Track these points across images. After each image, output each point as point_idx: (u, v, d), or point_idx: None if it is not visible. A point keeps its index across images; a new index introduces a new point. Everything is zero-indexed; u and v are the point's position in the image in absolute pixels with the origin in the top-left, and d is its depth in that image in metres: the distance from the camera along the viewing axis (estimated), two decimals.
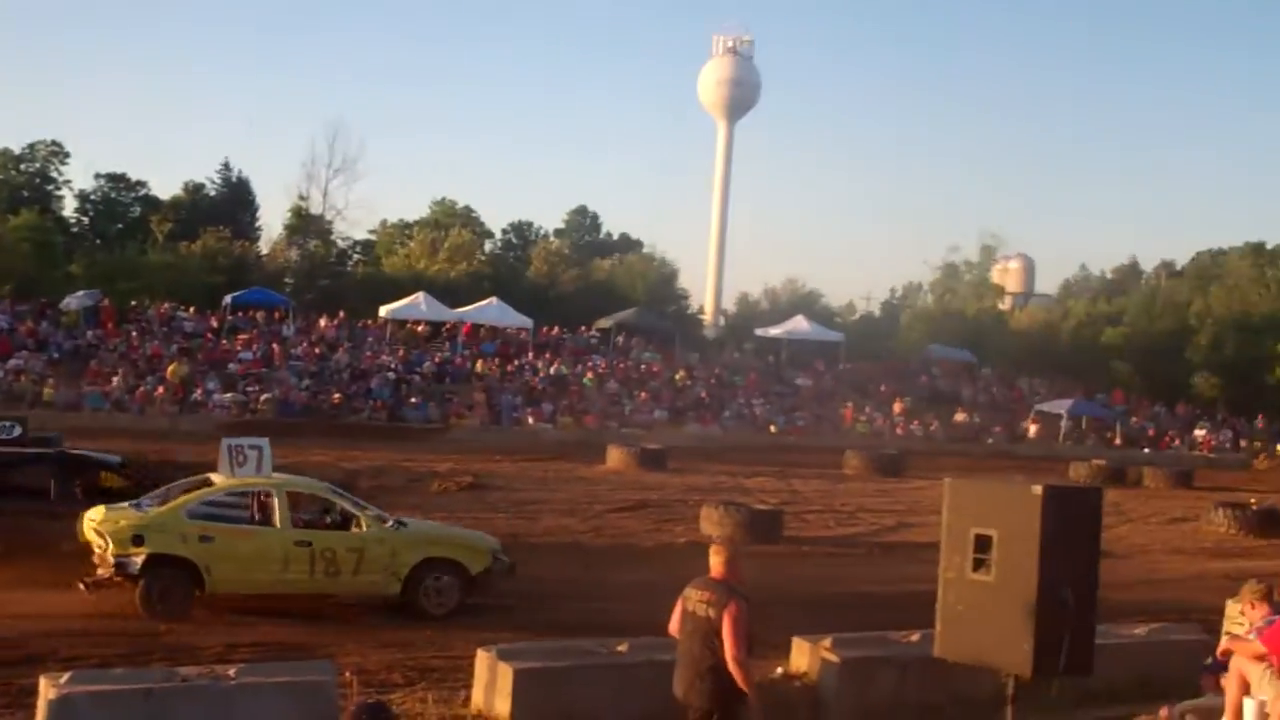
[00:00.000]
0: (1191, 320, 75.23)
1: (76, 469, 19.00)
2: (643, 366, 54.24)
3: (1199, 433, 57.46)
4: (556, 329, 56.55)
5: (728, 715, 8.11)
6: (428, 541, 15.90)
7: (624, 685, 10.40)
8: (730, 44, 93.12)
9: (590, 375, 51.09)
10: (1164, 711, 8.77)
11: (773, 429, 48.79)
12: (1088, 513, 7.59)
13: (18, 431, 21.43)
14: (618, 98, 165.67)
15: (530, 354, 52.72)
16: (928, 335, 70.04)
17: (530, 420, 44.89)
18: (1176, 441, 56.36)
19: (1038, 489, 7.23)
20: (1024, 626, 7.12)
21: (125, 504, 15.88)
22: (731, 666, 7.95)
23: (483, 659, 10.62)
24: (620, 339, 57.23)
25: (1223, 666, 8.77)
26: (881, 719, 10.66)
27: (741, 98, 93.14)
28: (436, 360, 49.84)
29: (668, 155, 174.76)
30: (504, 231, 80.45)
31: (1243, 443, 57.58)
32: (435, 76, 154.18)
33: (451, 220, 73.79)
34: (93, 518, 15.17)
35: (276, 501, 15.09)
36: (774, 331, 61.79)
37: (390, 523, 15.73)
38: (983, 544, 7.41)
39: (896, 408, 53.68)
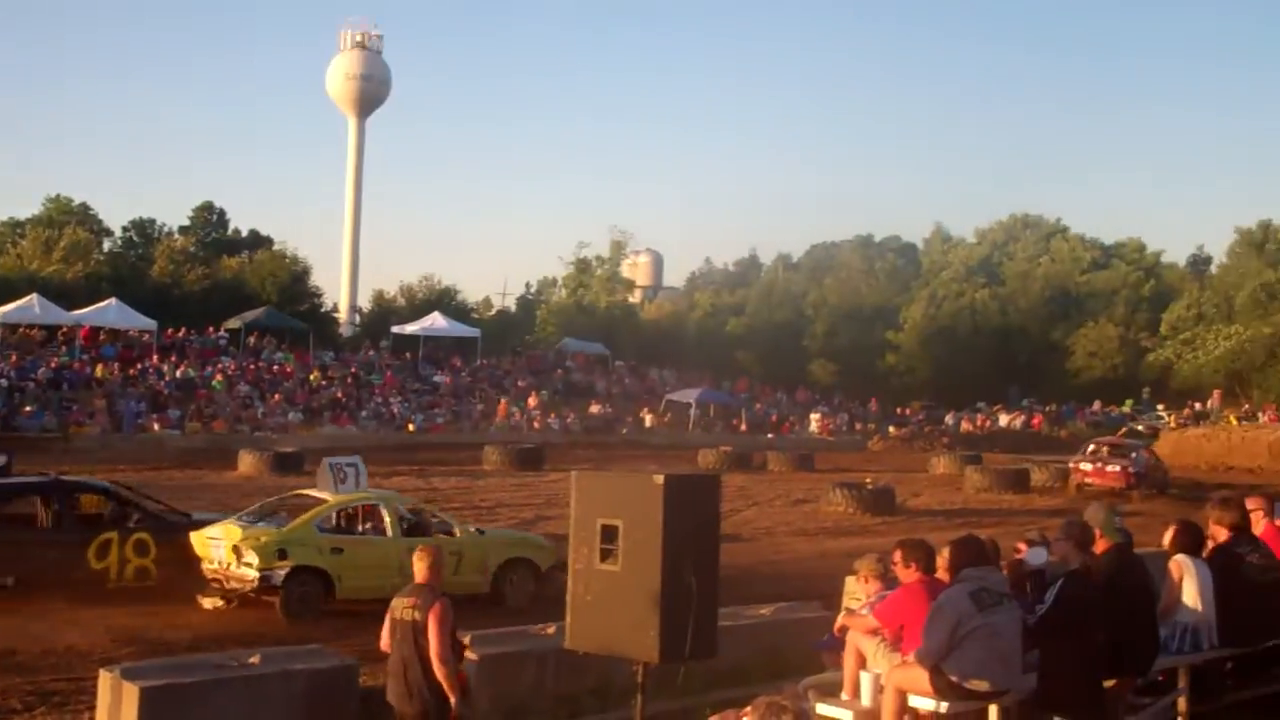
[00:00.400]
0: (807, 310, 79.19)
1: (66, 495, 17.62)
2: (275, 367, 52.95)
3: (814, 416, 60.40)
4: (182, 330, 54.52)
5: (440, 716, 8.46)
6: (508, 544, 18.25)
7: (257, 698, 10.15)
8: (358, 38, 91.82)
9: (219, 378, 49.50)
10: (788, 688, 9.10)
11: (411, 427, 48.49)
12: (707, 499, 7.81)
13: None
14: (243, 90, 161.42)
15: (154, 357, 50.66)
16: (562, 329, 71.21)
17: (155, 426, 43.00)
18: (797, 426, 59.14)
19: (659, 478, 7.38)
20: (650, 614, 7.21)
21: (232, 521, 16.84)
22: (435, 664, 8.33)
23: (105, 679, 10.15)
24: (251, 340, 55.67)
25: (840, 642, 9.10)
26: (522, 714, 10.75)
27: (371, 93, 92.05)
28: (53, 365, 47.17)
29: (298, 151, 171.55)
30: (124, 229, 76.83)
31: (858, 425, 60.97)
32: (44, 68, 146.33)
33: (66, 218, 70.01)
34: (218, 536, 16.17)
35: (386, 513, 16.89)
36: (410, 329, 61.47)
37: (474, 530, 18.14)
38: (609, 534, 7.49)
39: (532, 401, 54.25)
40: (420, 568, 8.76)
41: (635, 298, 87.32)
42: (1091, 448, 37.05)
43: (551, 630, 11.67)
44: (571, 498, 7.95)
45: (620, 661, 7.72)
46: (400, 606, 8.61)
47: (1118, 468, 34.88)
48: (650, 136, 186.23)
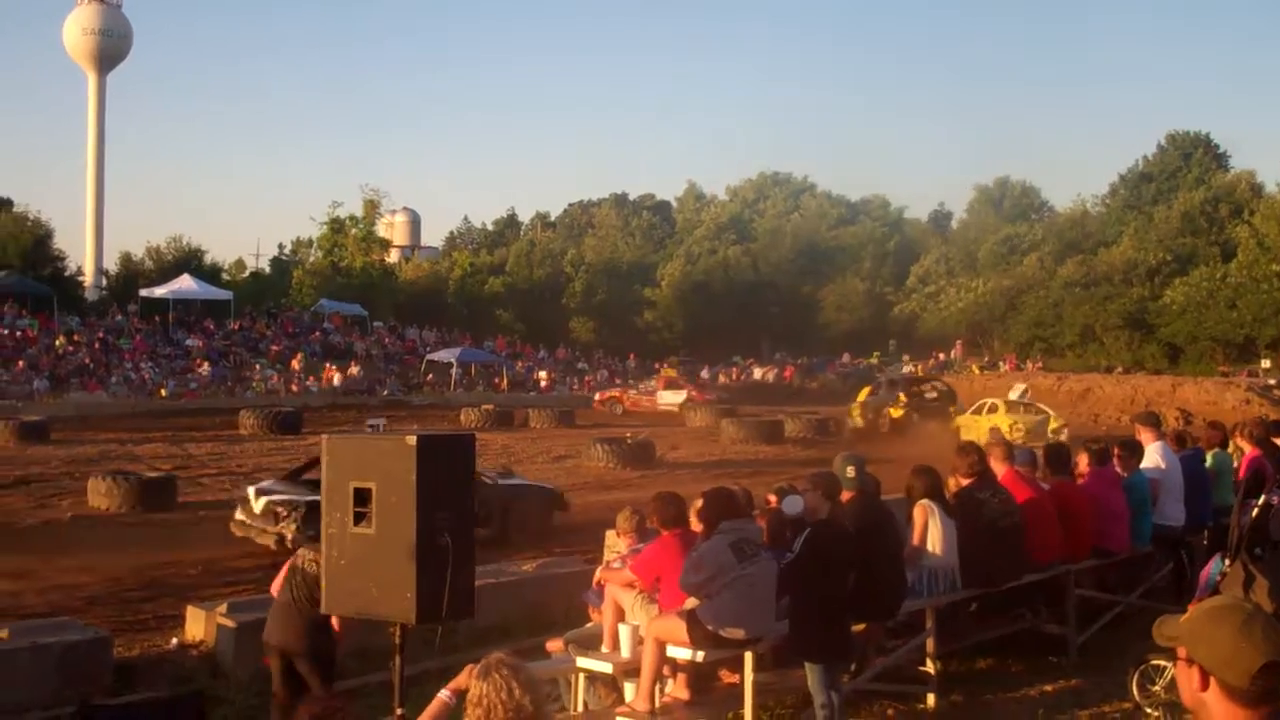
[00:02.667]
0: (567, 268, 79.61)
1: None
2: (18, 333, 50.80)
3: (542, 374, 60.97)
4: None
5: (321, 653, 8.66)
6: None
7: (5, 673, 9.95)
8: None
9: None
10: (551, 643, 9.26)
11: (164, 393, 47.20)
12: (462, 458, 7.90)
13: None
14: None
15: None
16: (319, 291, 70.02)
17: None
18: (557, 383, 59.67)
19: (411, 439, 7.40)
20: (405, 576, 7.25)
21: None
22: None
23: None
24: None
25: (600, 595, 9.24)
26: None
27: (112, 48, 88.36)
28: None
29: (36, 109, 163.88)
30: None
31: (617, 381, 61.78)
32: None
33: None
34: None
35: None
36: (159, 291, 59.64)
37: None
38: (362, 497, 7.53)
39: (295, 364, 53.40)
40: None
41: (393, 258, 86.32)
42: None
43: None
44: (323, 462, 7.95)
45: (378, 625, 7.77)
46: (306, 556, 8.64)
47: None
48: (405, 93, 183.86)
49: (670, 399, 51.00)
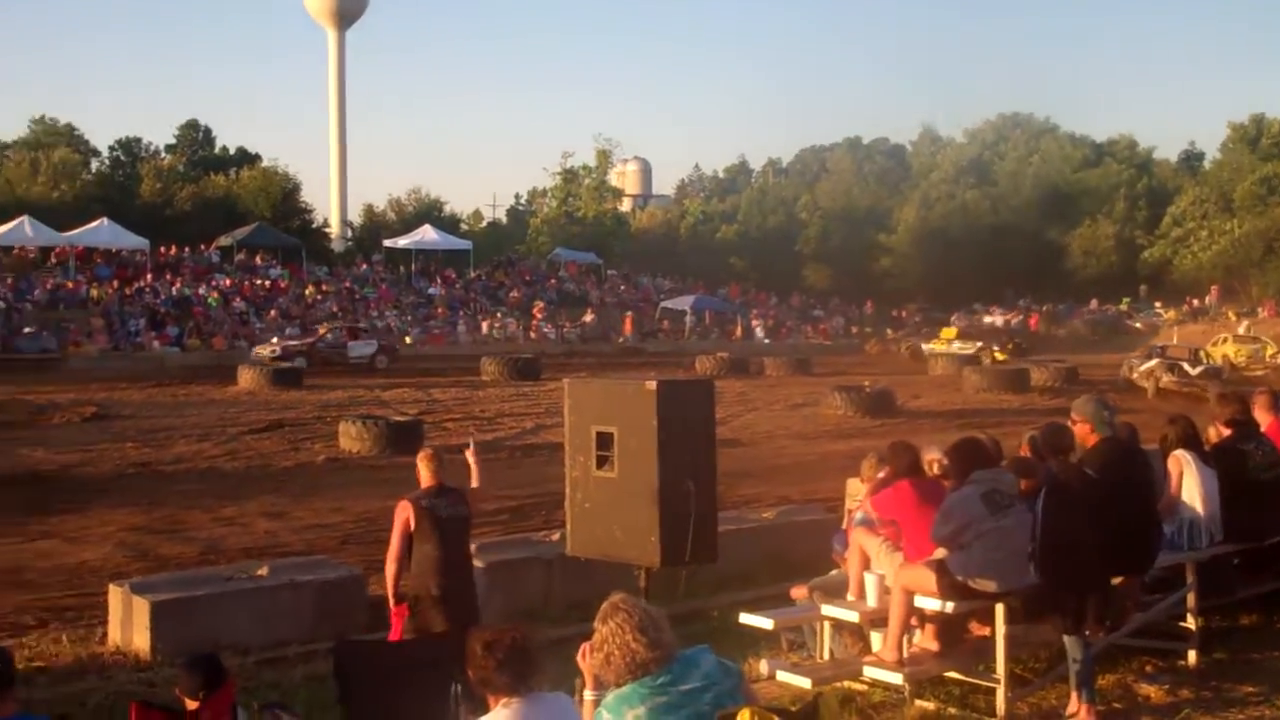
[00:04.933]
0: (800, 214, 78.84)
1: None
2: (270, 284, 52.94)
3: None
4: (175, 249, 54.39)
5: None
6: None
7: (266, 609, 10.36)
8: None
9: (215, 295, 49.52)
10: (795, 590, 9.17)
11: (408, 340, 48.60)
12: (702, 404, 7.86)
13: None
14: (221, 7, 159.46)
15: (149, 276, 50.63)
16: (553, 240, 71.01)
17: (155, 344, 43.19)
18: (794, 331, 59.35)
19: (651, 384, 7.39)
20: (649, 519, 7.27)
21: None
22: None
23: (116, 594, 10.38)
24: (242, 256, 55.61)
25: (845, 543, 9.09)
26: (531, 619, 10.91)
27: (350, 5, 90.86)
28: (48, 286, 47.22)
29: (281, 66, 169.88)
30: (111, 149, 76.19)
31: (854, 329, 61.09)
32: None
33: (53, 140, 69.44)
34: None
35: None
36: (402, 242, 61.32)
37: None
38: (604, 441, 7.55)
39: (536, 312, 54.36)
40: (438, 467, 8.68)
41: (625, 207, 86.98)
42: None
43: (555, 537, 11.84)
44: (565, 407, 7.99)
45: (625, 567, 7.79)
46: (443, 505, 8.46)
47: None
48: (636, 44, 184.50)
49: (959, 349, 49.15)
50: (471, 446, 9.23)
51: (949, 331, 51.36)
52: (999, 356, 45.74)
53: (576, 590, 11.29)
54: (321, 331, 42.36)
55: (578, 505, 7.82)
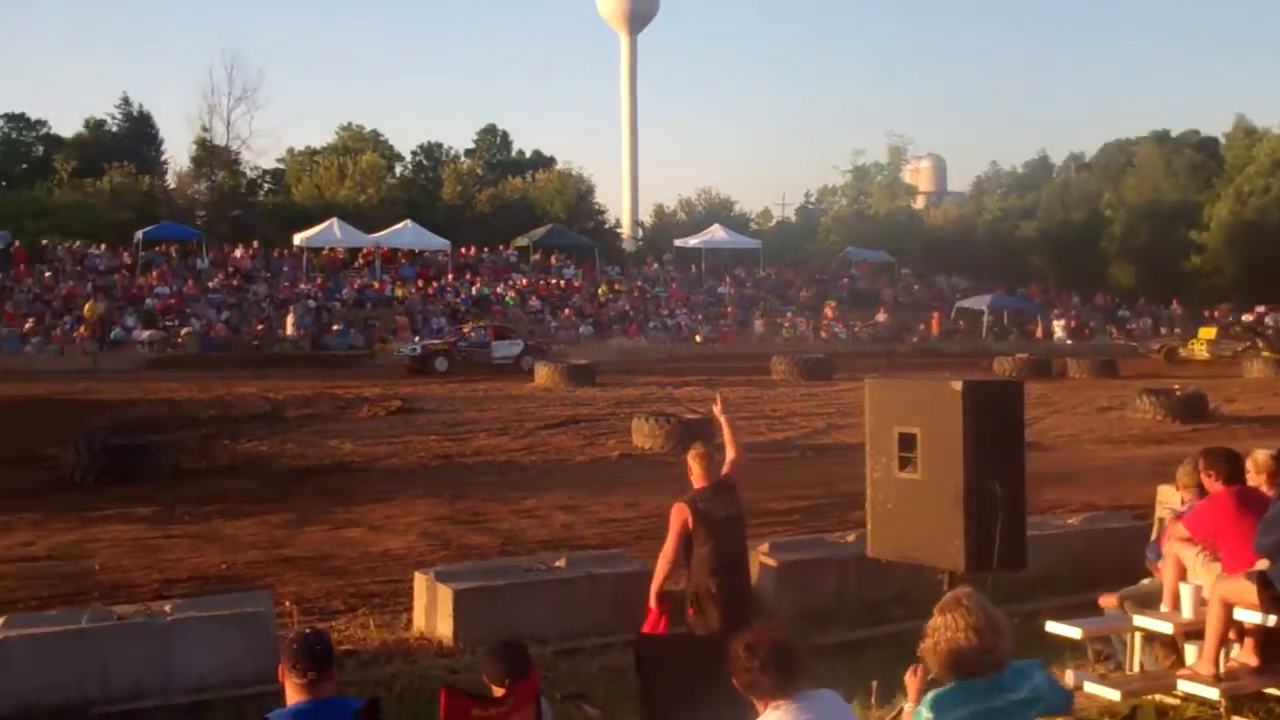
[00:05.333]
0: (1105, 211, 75.93)
1: None
2: (564, 283, 54.12)
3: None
4: (474, 249, 56.18)
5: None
6: None
7: (564, 601, 10.47)
8: None
9: (512, 294, 50.93)
10: (1105, 599, 8.83)
11: (698, 338, 48.96)
12: (1010, 405, 7.58)
13: None
14: (519, 13, 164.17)
15: (450, 275, 52.43)
16: (844, 238, 70.36)
17: None
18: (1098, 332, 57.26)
19: (957, 384, 7.19)
20: (954, 522, 7.08)
21: None
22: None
23: (421, 581, 10.66)
24: (537, 256, 57.02)
25: (1159, 552, 8.72)
26: (823, 620, 10.76)
27: (641, 9, 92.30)
28: (355, 286, 49.44)
29: (573, 70, 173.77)
30: (413, 154, 79.31)
31: (1162, 329, 58.51)
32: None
33: (360, 145, 72.66)
34: None
35: None
36: (692, 242, 61.78)
37: None
38: (907, 442, 7.37)
39: (827, 311, 54.05)
40: (711, 466, 8.64)
41: (918, 204, 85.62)
42: None
43: (851, 538, 11.65)
44: (866, 406, 7.84)
45: (923, 570, 7.59)
46: (719, 502, 8.42)
47: None
48: (928, 39, 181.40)
49: (1222, 350, 47.00)
50: (719, 402, 9.15)
51: (1207, 331, 48.52)
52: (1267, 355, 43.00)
53: (871, 593, 11.11)
54: (465, 330, 41.79)
55: (879, 506, 7.67)
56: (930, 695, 4.27)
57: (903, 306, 58.32)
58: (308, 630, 5.03)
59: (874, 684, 7.82)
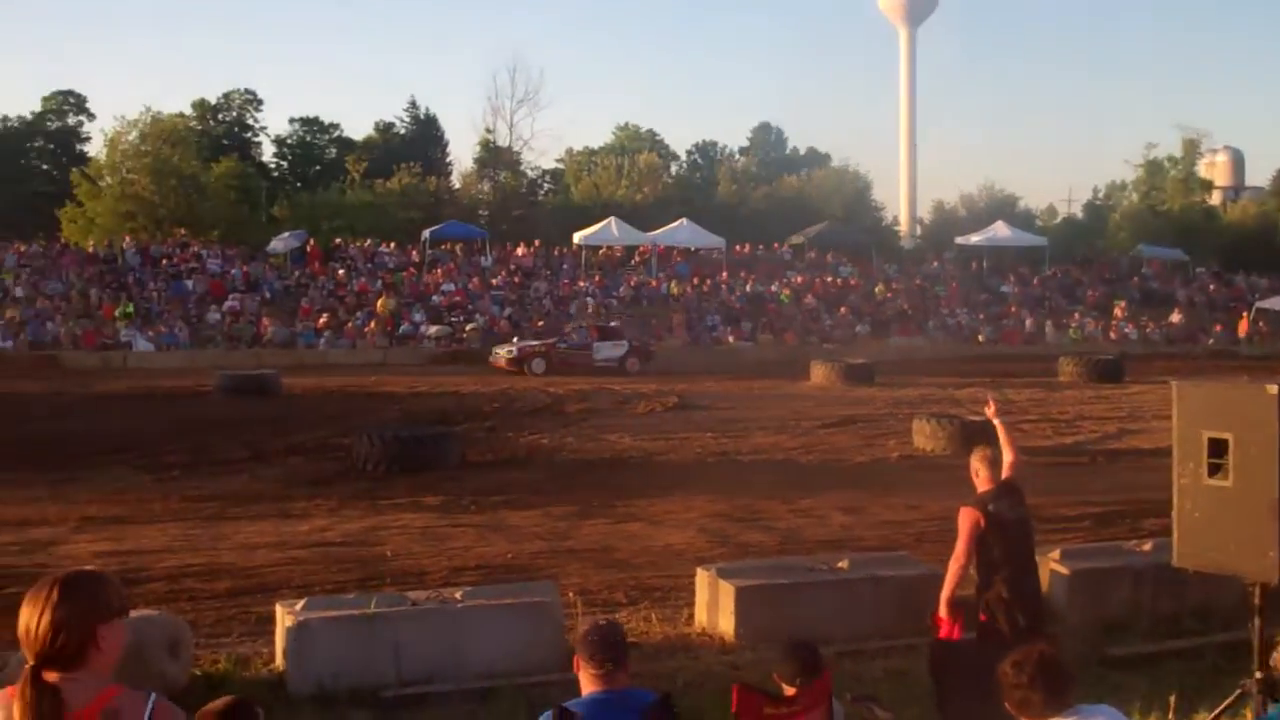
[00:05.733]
0: None
1: None
2: (840, 281, 53.66)
3: None
4: (749, 247, 56.22)
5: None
6: None
7: (846, 602, 10.33)
8: None
9: (787, 292, 50.78)
10: None
11: (981, 338, 47.90)
12: None
13: None
14: (795, 10, 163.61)
15: (724, 273, 52.60)
16: (1135, 235, 67.66)
17: (730, 339, 44.91)
18: None
19: (1273, 388, 6.81)
20: (1268, 532, 6.70)
21: None
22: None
23: (703, 578, 10.67)
24: (813, 254, 56.68)
25: None
26: (1117, 631, 10.35)
27: (921, 3, 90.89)
28: (632, 284, 50.09)
29: (850, 66, 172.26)
30: (689, 153, 79.99)
31: None
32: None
33: (637, 145, 73.65)
34: None
35: None
36: (974, 239, 60.32)
37: None
38: (1217, 448, 7.03)
39: (1117, 311, 52.22)
40: (996, 469, 8.39)
41: (1215, 200, 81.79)
42: None
43: (1147, 546, 11.18)
44: (1174, 410, 7.47)
45: (1224, 583, 7.20)
46: (1005, 506, 8.16)
47: None
48: (1220, 24, 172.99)
49: None
50: (992, 405, 8.86)
51: None
52: None
53: (1167, 605, 10.64)
54: (566, 330, 40.39)
55: (1186, 514, 7.30)
56: None
57: (1198, 307, 55.77)
58: (603, 621, 5.06)
59: (1172, 698, 7.46)
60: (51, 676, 3.28)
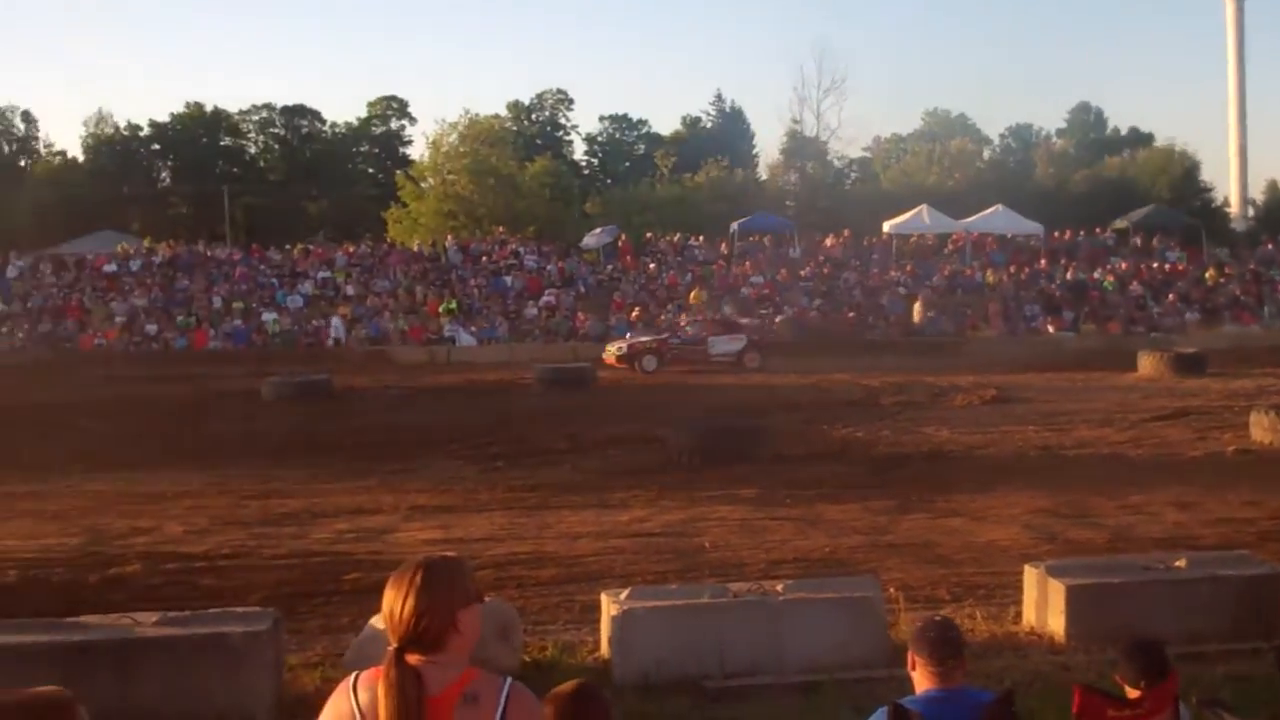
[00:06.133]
0: None
1: None
2: (1168, 266, 51.29)
3: None
4: (1069, 233, 54.37)
5: None
6: None
7: (1184, 602, 9.80)
8: None
9: (1111, 279, 48.85)
10: None
11: None
12: None
13: None
14: None
15: (1043, 260, 50.99)
16: None
17: (1049, 329, 43.53)
18: None
19: None
20: None
21: None
22: None
23: (1031, 575, 10.33)
24: (1138, 239, 54.37)
25: None
26: None
27: None
28: (945, 273, 49.13)
29: (1174, 41, 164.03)
30: (1001, 136, 77.96)
31: None
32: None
33: (947, 131, 72.22)
34: None
35: None
36: None
37: None
38: None
39: None
40: None
41: None
42: None
43: None
44: None
45: None
46: None
47: None
48: None
49: None
50: None
51: None
52: None
53: None
54: (681, 324, 38.93)
55: None
56: None
57: None
58: (938, 618, 4.92)
59: None
60: (414, 659, 3.40)
